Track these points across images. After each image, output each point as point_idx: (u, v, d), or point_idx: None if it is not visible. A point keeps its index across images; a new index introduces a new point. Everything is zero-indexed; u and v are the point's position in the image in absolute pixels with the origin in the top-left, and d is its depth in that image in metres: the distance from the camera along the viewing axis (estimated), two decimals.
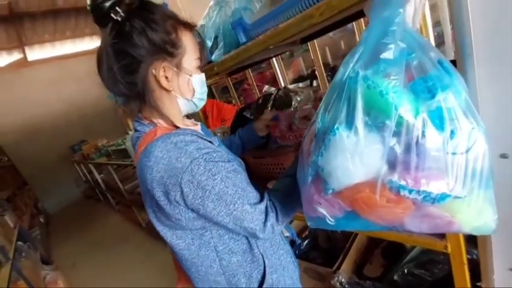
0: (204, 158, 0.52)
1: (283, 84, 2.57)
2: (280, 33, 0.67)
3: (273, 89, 1.32)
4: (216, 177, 0.52)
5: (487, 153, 0.38)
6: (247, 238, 0.65)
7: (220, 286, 0.66)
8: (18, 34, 4.92)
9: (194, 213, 0.56)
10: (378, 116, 0.39)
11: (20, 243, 2.54)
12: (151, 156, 0.53)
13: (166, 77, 0.57)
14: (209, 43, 0.82)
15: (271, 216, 0.56)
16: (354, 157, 0.40)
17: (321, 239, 1.46)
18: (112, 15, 0.51)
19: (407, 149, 0.38)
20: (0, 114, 5.66)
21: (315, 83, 2.59)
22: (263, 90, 1.41)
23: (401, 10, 0.41)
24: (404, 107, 0.37)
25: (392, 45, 0.39)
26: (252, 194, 0.56)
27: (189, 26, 0.59)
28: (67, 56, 6.38)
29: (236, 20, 0.75)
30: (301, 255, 1.35)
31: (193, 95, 0.61)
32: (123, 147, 2.42)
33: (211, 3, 0.84)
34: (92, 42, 6.40)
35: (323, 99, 0.49)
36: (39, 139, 6.12)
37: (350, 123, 0.41)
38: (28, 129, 6.00)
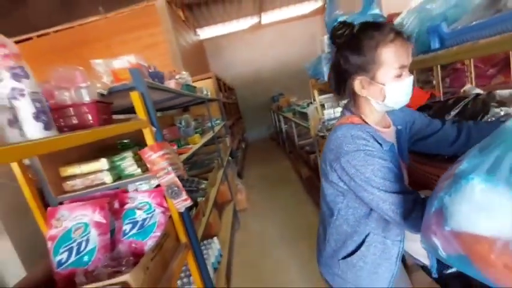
0: (365, 151, 0.68)
1: None
2: (478, 49, 0.60)
3: (477, 90, 1.08)
4: (368, 167, 0.67)
5: None
6: (361, 224, 0.77)
7: (324, 234, 0.87)
8: (259, 2, 6.35)
9: (341, 181, 0.75)
10: None
11: (229, 157, 3.82)
12: (335, 133, 0.75)
13: (362, 86, 0.74)
14: None
15: (406, 207, 0.63)
16: (482, 212, 0.41)
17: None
18: (337, 40, 0.74)
19: None
20: (237, 65, 7.95)
21: None
22: (462, 90, 1.17)
23: None
24: None
25: None
26: (395, 185, 0.65)
27: (397, 35, 0.68)
28: (285, 20, 7.57)
29: (434, 25, 0.72)
30: (441, 280, 1.22)
31: (384, 99, 0.73)
32: (305, 111, 2.84)
33: (410, 7, 0.82)
34: (311, 5, 7.10)
35: (483, 141, 0.47)
36: (254, 87, 8.13)
37: (491, 177, 0.40)
38: (250, 78, 8.08)
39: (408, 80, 0.71)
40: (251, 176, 4.98)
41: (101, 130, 0.81)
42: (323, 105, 2.37)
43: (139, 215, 1.15)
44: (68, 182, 1.17)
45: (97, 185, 1.18)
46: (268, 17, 7.36)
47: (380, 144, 0.71)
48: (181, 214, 1.20)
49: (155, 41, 3.78)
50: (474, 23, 0.62)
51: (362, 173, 0.67)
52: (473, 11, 0.66)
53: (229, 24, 7.26)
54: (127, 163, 1.25)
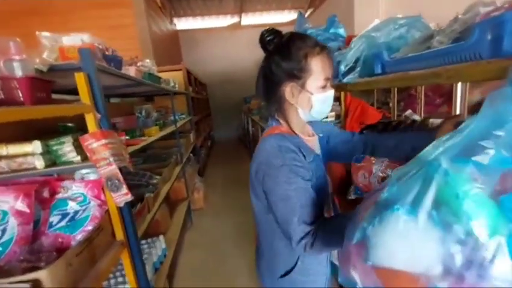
0: (290, 168, 0.67)
1: (458, 107, 2.09)
2: (407, 79, 0.66)
3: (415, 116, 1.19)
4: (291, 186, 0.67)
5: None
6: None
7: (267, 253, 0.85)
8: (241, 2, 6.35)
9: (264, 194, 0.74)
10: (447, 215, 0.36)
11: (191, 154, 3.72)
12: (263, 145, 0.75)
13: (293, 93, 0.74)
14: (343, 68, 0.89)
15: (309, 240, 0.65)
16: (405, 245, 0.39)
17: None
18: (267, 46, 0.74)
19: (468, 264, 0.34)
20: (213, 61, 7.82)
21: None
22: (404, 115, 1.28)
23: None
24: (480, 221, 0.34)
25: (491, 151, 0.35)
26: (308, 214, 0.66)
27: (322, 49, 0.71)
28: (265, 24, 7.64)
29: (377, 52, 0.78)
30: None
31: (311, 109, 0.75)
32: None
33: (357, 37, 0.88)
34: (290, 15, 7.27)
35: (397, 168, 0.46)
36: (227, 86, 8.06)
37: (414, 209, 0.39)
38: (224, 76, 7.99)
39: (331, 92, 0.74)
40: (213, 175, 4.90)
41: (33, 109, 0.73)
42: None
43: (71, 206, 1.05)
44: None
45: (26, 169, 1.06)
46: (248, 19, 7.38)
47: (304, 157, 0.72)
48: (120, 209, 1.13)
49: (123, 23, 3.54)
50: (409, 55, 0.68)
51: (285, 189, 0.67)
52: (412, 44, 0.73)
53: (209, 19, 7.13)
54: (66, 149, 1.14)
